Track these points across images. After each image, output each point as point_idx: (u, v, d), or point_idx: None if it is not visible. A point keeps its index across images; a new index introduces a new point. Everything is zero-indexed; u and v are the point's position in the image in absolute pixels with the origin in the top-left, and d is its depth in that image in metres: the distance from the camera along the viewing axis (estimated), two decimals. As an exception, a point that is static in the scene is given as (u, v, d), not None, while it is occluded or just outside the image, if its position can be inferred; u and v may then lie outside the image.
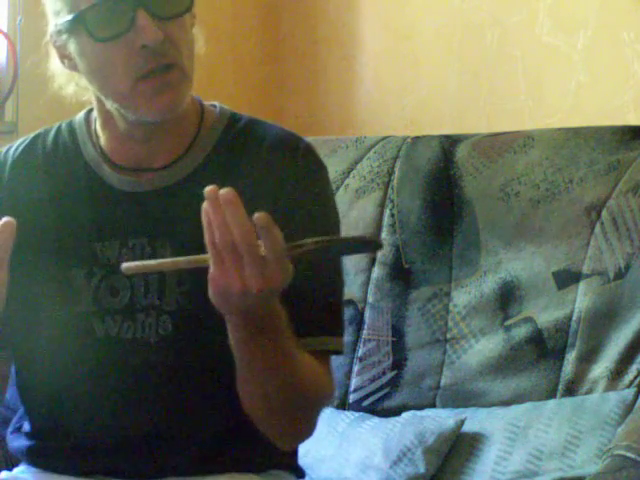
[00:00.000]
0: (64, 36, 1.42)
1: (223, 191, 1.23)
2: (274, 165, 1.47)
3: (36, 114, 2.56)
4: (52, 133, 1.54)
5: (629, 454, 1.76)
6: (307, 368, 1.41)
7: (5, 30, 2.65)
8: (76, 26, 1.39)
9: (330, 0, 3.09)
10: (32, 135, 1.56)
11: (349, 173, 2.44)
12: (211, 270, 1.25)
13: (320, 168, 1.53)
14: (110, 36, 1.37)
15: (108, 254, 1.45)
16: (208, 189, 1.23)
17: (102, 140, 1.50)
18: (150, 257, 1.44)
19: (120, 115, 1.45)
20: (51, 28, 1.43)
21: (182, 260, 1.28)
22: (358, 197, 2.41)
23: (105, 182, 1.49)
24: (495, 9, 2.77)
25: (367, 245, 1.37)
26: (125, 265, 1.30)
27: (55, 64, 1.48)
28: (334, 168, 2.45)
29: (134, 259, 1.44)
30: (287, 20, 3.17)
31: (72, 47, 1.42)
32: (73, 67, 1.45)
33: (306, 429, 1.49)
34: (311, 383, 1.42)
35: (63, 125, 1.55)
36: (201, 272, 1.30)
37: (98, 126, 1.50)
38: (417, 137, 2.44)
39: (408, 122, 2.90)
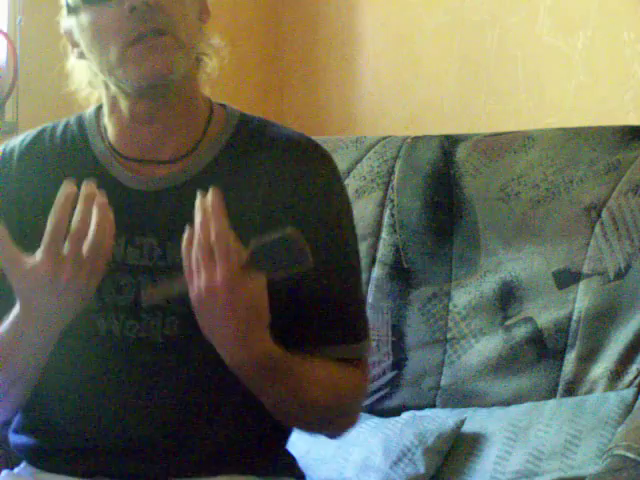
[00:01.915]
0: (69, 21, 1.45)
1: (209, 198, 1.26)
2: (288, 168, 1.47)
3: (36, 114, 2.57)
4: (61, 127, 1.54)
5: (629, 454, 1.76)
6: (330, 377, 1.43)
7: (5, 30, 2.65)
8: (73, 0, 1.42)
9: (330, 0, 3.09)
10: (39, 128, 1.56)
11: (349, 173, 2.44)
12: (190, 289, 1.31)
13: (336, 177, 1.53)
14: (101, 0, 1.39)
15: (114, 252, 1.43)
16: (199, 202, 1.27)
17: (109, 129, 1.50)
18: (160, 258, 1.44)
19: (120, 91, 1.45)
20: (60, 18, 1.47)
21: None
22: (358, 197, 2.41)
23: (114, 178, 1.48)
24: (495, 9, 2.77)
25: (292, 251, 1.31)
26: (147, 294, 1.32)
27: (72, 61, 1.50)
28: (334, 168, 2.45)
29: (141, 258, 1.44)
30: (287, 20, 3.17)
31: (75, 29, 1.44)
32: (81, 54, 1.46)
33: (348, 423, 1.53)
34: (340, 389, 1.44)
35: (72, 119, 1.55)
36: None
37: (105, 115, 1.50)
38: (417, 137, 2.44)
39: (408, 122, 2.90)
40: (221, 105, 1.54)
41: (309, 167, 1.48)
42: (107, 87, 1.47)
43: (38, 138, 1.54)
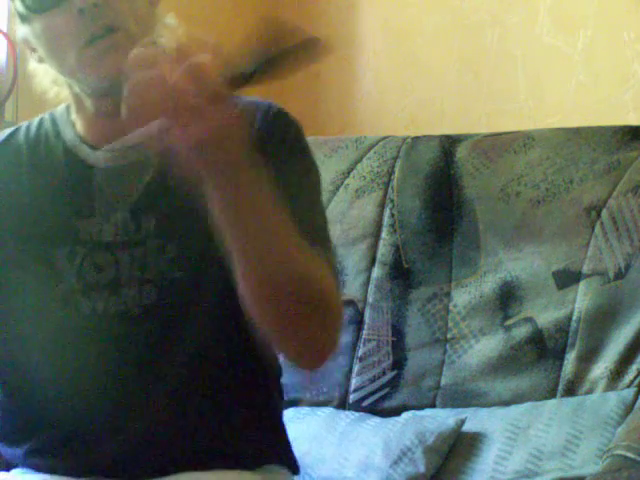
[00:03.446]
0: (24, 28, 1.45)
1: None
2: (254, 127, 1.45)
3: (36, 114, 2.56)
4: (35, 123, 1.56)
5: (629, 454, 1.76)
6: (305, 248, 1.30)
7: (5, 30, 2.65)
8: (22, 8, 1.42)
9: (330, 0, 3.09)
10: (13, 127, 1.58)
11: (349, 173, 2.44)
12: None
13: (295, 128, 1.50)
14: (48, 6, 1.40)
15: (90, 231, 1.45)
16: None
17: (77, 124, 1.51)
18: (135, 232, 1.44)
19: (82, 90, 1.46)
20: (16, 25, 1.47)
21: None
22: (358, 197, 2.41)
23: (83, 160, 1.49)
24: (495, 9, 2.77)
25: (308, 46, 1.19)
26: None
27: (32, 65, 1.50)
28: (334, 168, 2.45)
29: (116, 235, 1.44)
30: (287, 20, 3.16)
31: (30, 36, 1.45)
32: (40, 58, 1.47)
33: (325, 335, 1.36)
34: (314, 265, 1.32)
35: (45, 116, 1.57)
36: (186, 239, 1.36)
37: (73, 111, 1.52)
38: (417, 137, 2.45)
39: (408, 122, 2.90)
40: None
41: (269, 127, 1.47)
42: (70, 86, 1.49)
43: (13, 136, 1.56)
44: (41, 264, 1.47)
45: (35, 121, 1.57)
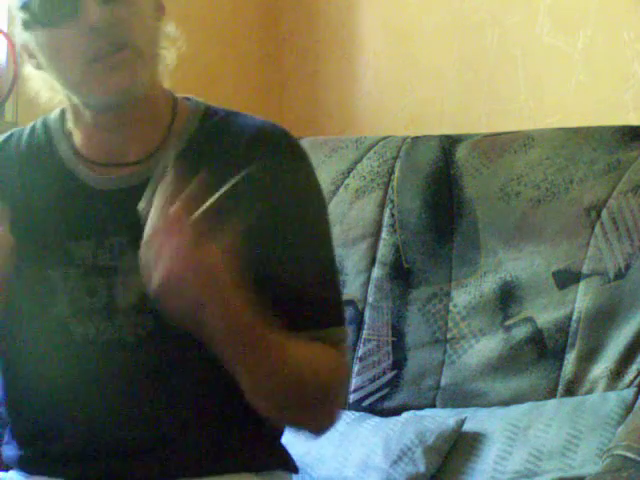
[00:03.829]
0: (24, 35, 1.42)
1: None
2: (257, 157, 1.43)
3: (36, 114, 2.56)
4: (27, 132, 1.52)
5: (629, 454, 1.76)
6: (311, 356, 1.38)
7: (5, 30, 2.65)
8: (27, 17, 1.39)
9: (330, 0, 3.09)
10: (7, 134, 1.54)
11: (349, 173, 2.44)
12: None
13: (304, 165, 1.48)
14: (57, 21, 1.36)
15: (83, 254, 1.43)
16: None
17: (74, 135, 1.48)
18: (131, 259, 1.39)
19: (82, 104, 1.43)
20: (15, 29, 1.44)
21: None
22: (358, 197, 2.41)
23: (80, 180, 1.46)
24: (495, 9, 2.77)
25: None
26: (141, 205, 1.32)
27: (28, 69, 1.47)
28: (334, 168, 2.45)
29: (112, 259, 1.42)
30: (287, 20, 3.17)
31: (32, 43, 1.42)
32: (38, 66, 1.44)
33: (330, 413, 1.46)
34: (322, 368, 1.39)
35: (38, 123, 1.53)
36: None
37: (70, 123, 1.48)
38: (417, 137, 2.45)
39: (408, 122, 2.90)
40: (186, 99, 1.52)
41: (278, 157, 1.45)
42: (69, 97, 1.45)
43: (6, 143, 1.52)
44: (37, 283, 1.45)
45: (26, 130, 1.52)
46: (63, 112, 1.52)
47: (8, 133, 1.55)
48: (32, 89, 1.49)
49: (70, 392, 1.45)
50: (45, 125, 1.52)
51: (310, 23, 3.13)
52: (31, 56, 1.44)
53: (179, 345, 1.41)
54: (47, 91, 1.48)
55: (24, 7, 1.38)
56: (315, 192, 1.49)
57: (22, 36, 1.43)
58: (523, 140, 2.31)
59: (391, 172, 2.40)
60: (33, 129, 1.53)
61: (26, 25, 1.41)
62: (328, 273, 1.48)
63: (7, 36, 2.65)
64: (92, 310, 1.43)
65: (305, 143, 2.01)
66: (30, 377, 1.46)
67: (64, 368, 1.45)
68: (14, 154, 1.51)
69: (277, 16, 3.18)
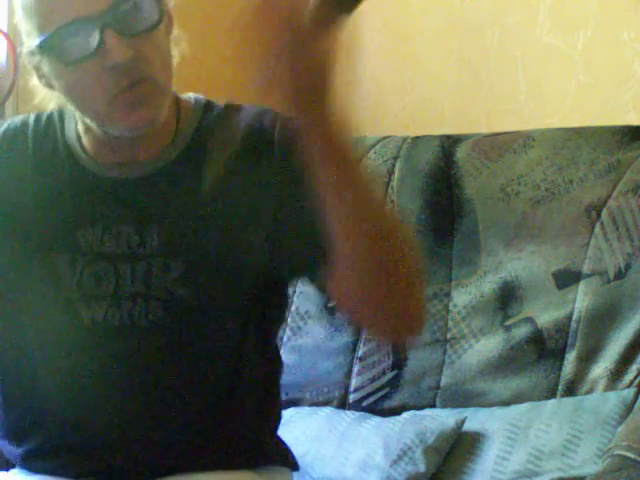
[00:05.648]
0: (37, 58, 1.40)
1: None
2: (252, 148, 1.45)
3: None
4: (44, 119, 1.52)
5: (629, 454, 1.76)
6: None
7: (5, 30, 2.65)
8: (45, 50, 1.37)
9: (330, 0, 3.08)
10: (21, 118, 1.54)
11: (349, 173, 2.44)
12: None
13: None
14: (79, 59, 1.35)
15: (90, 241, 1.44)
16: None
17: (84, 139, 1.48)
18: (138, 245, 1.44)
19: (99, 129, 1.44)
20: (25, 49, 1.41)
21: None
22: (358, 197, 2.41)
23: (87, 169, 1.47)
24: (495, 9, 2.77)
25: None
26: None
27: (34, 81, 1.46)
28: (334, 168, 2.45)
29: (118, 246, 1.44)
30: (287, 20, 3.16)
31: (45, 68, 1.40)
32: (50, 86, 1.43)
33: (415, 298, 1.36)
34: (400, 233, 1.34)
35: (55, 114, 1.53)
36: (192, 257, 1.38)
37: (80, 129, 1.49)
38: (417, 137, 2.45)
39: (408, 122, 2.90)
40: (188, 97, 1.53)
41: (274, 143, 1.45)
42: (82, 119, 1.46)
43: (21, 129, 1.52)
44: (44, 268, 1.46)
45: (44, 117, 1.53)
46: None
47: (24, 117, 1.54)
48: (37, 99, 1.49)
49: (77, 373, 1.46)
50: (61, 117, 1.52)
51: (310, 23, 3.13)
52: (43, 77, 1.43)
53: (185, 333, 1.42)
54: (54, 104, 1.48)
55: (45, 42, 1.36)
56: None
57: (34, 59, 1.41)
58: (523, 140, 2.31)
59: (391, 172, 2.40)
60: (50, 116, 1.52)
61: (42, 54, 1.38)
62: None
63: (7, 36, 2.65)
64: (99, 296, 1.44)
65: (305, 143, 2.01)
66: (36, 358, 1.47)
67: (73, 349, 1.46)
68: (30, 139, 1.51)
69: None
